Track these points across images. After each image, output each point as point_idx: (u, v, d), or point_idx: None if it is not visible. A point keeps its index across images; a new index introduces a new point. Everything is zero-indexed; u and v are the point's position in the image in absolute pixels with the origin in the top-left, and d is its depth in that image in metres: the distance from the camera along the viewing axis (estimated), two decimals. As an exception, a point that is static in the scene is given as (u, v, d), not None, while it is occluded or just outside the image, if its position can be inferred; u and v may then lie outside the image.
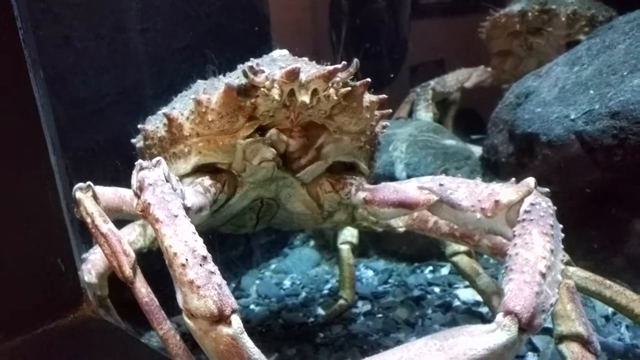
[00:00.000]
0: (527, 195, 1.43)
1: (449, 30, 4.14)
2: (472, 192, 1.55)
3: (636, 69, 2.16)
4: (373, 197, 1.63)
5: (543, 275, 1.22)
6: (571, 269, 1.74)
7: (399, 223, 1.85)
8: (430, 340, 1.18)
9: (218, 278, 1.17)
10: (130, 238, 1.76)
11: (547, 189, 1.47)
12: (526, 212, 1.38)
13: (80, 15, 2.10)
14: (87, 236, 1.51)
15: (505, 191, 1.47)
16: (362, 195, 1.66)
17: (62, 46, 2.07)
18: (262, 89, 1.45)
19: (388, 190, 1.63)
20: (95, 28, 2.14)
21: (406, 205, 1.59)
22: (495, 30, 3.79)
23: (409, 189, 1.60)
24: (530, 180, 1.46)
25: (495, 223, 1.51)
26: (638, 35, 2.32)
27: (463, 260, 2.10)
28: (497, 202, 1.46)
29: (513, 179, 1.51)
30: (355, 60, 1.49)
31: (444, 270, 2.66)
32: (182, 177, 1.63)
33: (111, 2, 2.18)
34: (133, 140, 1.96)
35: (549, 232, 1.33)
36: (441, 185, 1.57)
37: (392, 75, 3.99)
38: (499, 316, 1.16)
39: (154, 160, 1.37)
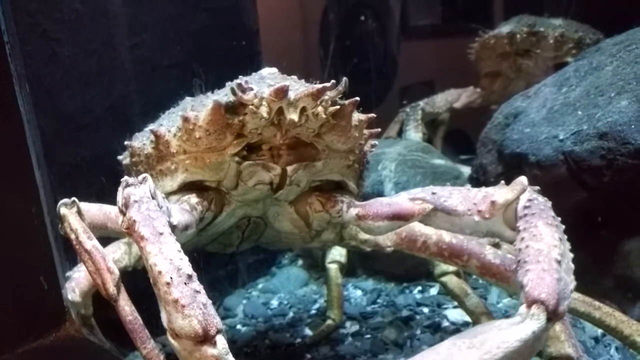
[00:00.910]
0: (522, 193, 1.44)
1: (438, 51, 4.18)
2: (465, 197, 1.55)
3: (623, 91, 2.17)
4: (366, 212, 1.62)
5: (559, 263, 1.23)
6: (560, 290, 1.73)
7: (387, 242, 1.83)
8: (457, 339, 1.17)
9: (203, 297, 1.15)
10: (115, 256, 1.73)
11: (538, 187, 1.49)
12: (526, 207, 1.40)
13: (68, 30, 2.09)
14: (71, 254, 1.49)
15: (500, 192, 1.49)
16: (354, 211, 1.64)
17: (49, 61, 2.06)
18: (250, 106, 1.44)
19: (380, 204, 1.63)
20: (83, 43, 2.13)
21: (401, 217, 1.58)
22: (485, 52, 3.84)
23: (401, 201, 1.60)
24: (523, 179, 1.48)
25: (493, 224, 1.52)
26: (625, 57, 2.34)
27: (452, 281, 2.09)
28: (493, 202, 1.47)
29: (502, 181, 1.52)
30: (345, 79, 1.49)
31: (433, 291, 2.65)
32: (168, 195, 1.61)
33: (100, 18, 2.18)
34: (119, 157, 1.94)
35: (553, 223, 1.34)
36: (433, 194, 1.58)
37: (381, 95, 4.01)
38: (522, 308, 1.16)
39: (140, 177, 1.36)
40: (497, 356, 1.11)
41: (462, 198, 1.55)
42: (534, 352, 1.18)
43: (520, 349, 1.13)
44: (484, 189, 1.54)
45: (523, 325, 1.14)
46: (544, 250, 1.25)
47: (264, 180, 1.55)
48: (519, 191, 1.45)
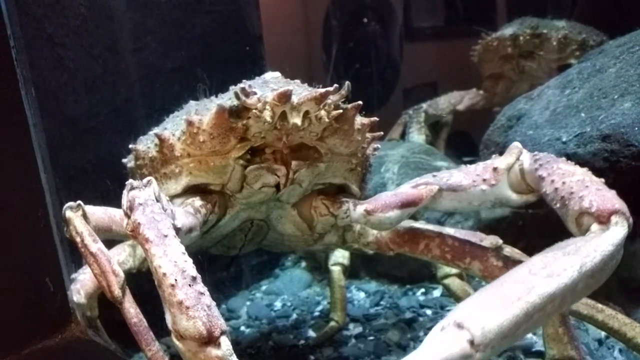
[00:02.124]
0: (520, 154, 1.51)
1: (441, 53, 4.18)
2: (467, 173, 1.61)
3: (627, 93, 2.17)
4: (374, 206, 1.63)
5: (604, 183, 1.28)
6: (563, 292, 1.73)
7: (390, 245, 1.84)
8: (548, 252, 1.19)
9: (207, 299, 1.16)
10: (119, 258, 1.74)
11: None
12: (536, 160, 1.46)
13: (74, 35, 2.10)
14: (77, 256, 1.50)
15: (499, 159, 1.56)
16: (361, 208, 1.65)
17: (55, 65, 2.07)
18: (253, 110, 1.45)
19: (386, 196, 1.64)
20: (88, 48, 2.15)
21: (410, 203, 1.60)
22: (487, 54, 3.83)
23: (406, 189, 1.63)
24: (517, 143, 1.55)
25: (499, 191, 1.57)
26: (628, 59, 2.34)
27: (454, 283, 2.10)
28: (495, 169, 1.53)
29: (495, 154, 1.56)
30: (347, 82, 1.50)
31: (436, 293, 2.65)
32: (172, 198, 1.62)
33: (104, 22, 2.19)
34: (124, 160, 1.96)
35: (570, 163, 1.40)
36: (434, 176, 1.62)
37: (384, 97, 4.02)
38: (595, 226, 1.22)
39: (145, 180, 1.37)
40: (596, 259, 1.13)
41: (463, 174, 1.60)
42: (614, 266, 1.21)
43: (612, 254, 1.16)
44: (481, 163, 1.60)
45: (610, 233, 1.18)
46: (584, 179, 1.30)
47: (270, 183, 1.57)
48: (517, 153, 1.52)
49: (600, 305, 1.76)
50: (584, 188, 1.27)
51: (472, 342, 1.11)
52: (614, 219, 1.20)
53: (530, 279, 1.14)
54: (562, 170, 1.36)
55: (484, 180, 1.55)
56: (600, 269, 1.17)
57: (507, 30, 3.70)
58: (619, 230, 1.19)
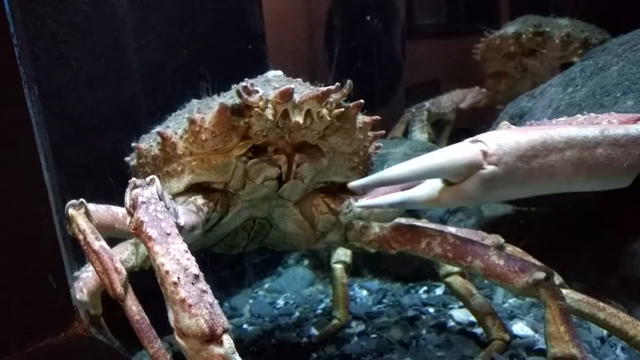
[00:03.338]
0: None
1: (444, 51, 4.18)
2: None
3: (629, 91, 2.17)
4: (374, 196, 1.66)
5: None
6: (564, 291, 1.73)
7: (392, 244, 1.84)
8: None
9: (210, 297, 1.16)
10: (122, 257, 1.75)
11: None
12: None
13: (76, 33, 2.11)
14: (80, 253, 1.50)
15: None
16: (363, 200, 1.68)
17: (58, 63, 2.07)
18: (255, 109, 1.46)
19: (385, 187, 1.66)
20: (91, 46, 2.15)
21: (409, 185, 1.62)
22: (490, 52, 3.83)
23: None
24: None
25: None
26: (631, 58, 2.34)
27: (457, 281, 2.11)
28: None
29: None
30: (349, 81, 1.51)
31: (439, 291, 2.65)
32: (175, 196, 1.63)
33: (107, 20, 2.19)
34: (127, 159, 1.96)
35: None
36: None
37: (386, 95, 4.01)
38: None
39: (148, 179, 1.38)
40: (619, 132, 1.22)
41: None
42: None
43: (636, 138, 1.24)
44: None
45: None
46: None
47: (272, 176, 1.57)
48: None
49: (601, 304, 1.77)
50: None
51: (485, 153, 1.13)
52: None
53: (553, 125, 1.17)
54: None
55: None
56: (622, 146, 1.20)
57: (510, 29, 3.70)
58: None
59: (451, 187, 1.24)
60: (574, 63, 2.89)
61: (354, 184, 1.36)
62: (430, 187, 1.27)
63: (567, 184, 1.24)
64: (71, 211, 1.45)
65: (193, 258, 1.21)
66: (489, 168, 1.17)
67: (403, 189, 1.67)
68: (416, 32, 4.25)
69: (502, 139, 1.17)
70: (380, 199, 1.39)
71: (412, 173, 1.27)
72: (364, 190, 1.82)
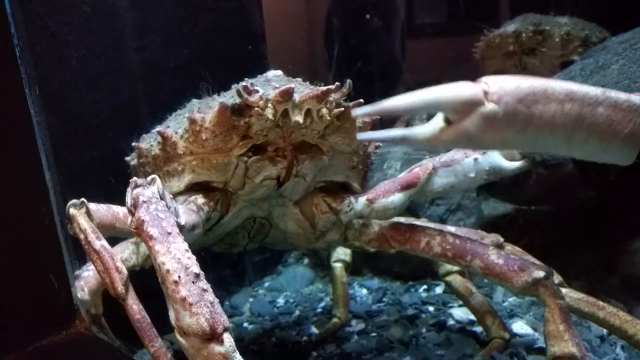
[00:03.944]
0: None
1: (444, 50, 4.17)
2: (455, 152, 1.72)
3: (630, 89, 2.16)
4: (375, 194, 1.70)
5: None
6: (564, 290, 1.74)
7: (391, 243, 1.85)
8: None
9: (210, 296, 1.17)
10: (123, 256, 1.75)
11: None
12: None
13: (77, 32, 2.11)
14: (81, 253, 1.51)
15: None
16: (363, 198, 1.71)
17: (58, 63, 2.08)
18: (255, 108, 1.46)
19: (385, 183, 1.72)
20: (91, 45, 2.15)
21: (409, 184, 1.69)
22: (490, 51, 3.82)
23: (402, 175, 1.73)
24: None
25: (492, 158, 1.67)
26: (631, 56, 2.34)
27: (456, 280, 2.11)
28: None
29: None
30: (348, 80, 1.51)
31: (439, 289, 2.65)
32: (175, 195, 1.63)
33: (107, 20, 2.20)
34: (127, 158, 1.96)
35: None
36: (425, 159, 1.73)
37: (386, 94, 4.01)
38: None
39: (149, 178, 1.38)
40: (622, 96, 1.24)
41: (452, 153, 1.71)
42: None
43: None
44: None
45: None
46: None
47: (272, 175, 1.57)
48: None
49: (601, 303, 1.77)
50: None
51: (486, 93, 1.15)
52: None
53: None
54: None
55: (475, 149, 1.63)
56: (623, 110, 1.22)
57: (510, 27, 3.69)
58: None
59: (452, 126, 1.25)
60: (574, 62, 2.89)
61: (356, 111, 1.35)
62: (432, 126, 1.27)
63: (567, 140, 1.25)
64: (72, 210, 1.45)
65: (194, 257, 1.22)
66: (490, 106, 1.19)
67: (401, 186, 1.68)
68: (416, 31, 4.24)
69: (504, 81, 1.20)
70: (381, 132, 1.39)
71: (411, 104, 1.26)
72: (363, 187, 1.83)
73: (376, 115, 1.43)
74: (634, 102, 1.25)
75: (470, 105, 1.20)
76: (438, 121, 1.26)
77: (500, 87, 1.19)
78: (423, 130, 1.28)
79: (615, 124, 1.24)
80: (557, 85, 1.22)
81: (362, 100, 1.57)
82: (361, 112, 1.32)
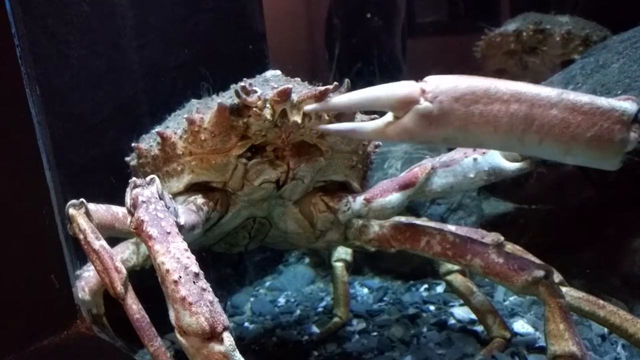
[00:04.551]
0: None
1: (444, 49, 4.17)
2: (456, 150, 1.71)
3: (630, 88, 2.17)
4: (373, 193, 1.69)
5: None
6: (564, 289, 1.74)
7: (391, 242, 1.85)
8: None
9: (210, 295, 1.17)
10: (123, 256, 1.76)
11: None
12: None
13: (77, 32, 2.11)
14: (82, 253, 1.51)
15: None
16: (361, 198, 1.70)
17: (59, 63, 2.08)
18: (254, 108, 1.47)
19: (383, 183, 1.71)
20: (92, 45, 2.16)
21: (407, 184, 1.68)
22: (491, 50, 3.82)
23: (400, 175, 1.72)
24: None
25: (492, 158, 1.66)
26: (632, 55, 2.33)
27: (457, 279, 2.11)
28: None
29: None
30: (347, 80, 1.51)
31: (439, 288, 2.65)
32: (175, 196, 1.64)
33: (107, 19, 2.20)
34: (127, 159, 1.97)
35: None
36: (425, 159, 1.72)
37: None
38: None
39: (148, 178, 1.38)
40: (582, 99, 1.23)
41: (452, 153, 1.70)
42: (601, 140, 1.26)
43: (601, 110, 1.24)
44: None
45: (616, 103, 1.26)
46: None
47: (271, 179, 1.57)
48: None
49: (601, 302, 1.77)
50: None
51: (423, 91, 1.17)
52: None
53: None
54: None
55: (475, 149, 1.61)
56: (584, 113, 1.21)
57: (511, 26, 3.68)
58: (624, 104, 1.23)
59: (396, 121, 1.28)
60: (575, 60, 2.89)
61: (307, 108, 1.41)
62: (380, 121, 1.32)
63: (517, 139, 1.25)
64: (71, 211, 1.45)
65: (193, 256, 1.22)
66: (424, 104, 1.21)
67: (399, 185, 1.68)
68: (417, 30, 4.24)
69: (442, 80, 1.22)
70: (336, 125, 1.44)
71: (351, 101, 1.34)
72: (363, 186, 1.83)
73: (324, 112, 1.45)
74: (598, 105, 1.23)
75: (405, 103, 1.25)
76: (387, 116, 1.30)
77: (437, 85, 1.22)
78: (372, 124, 1.34)
79: (574, 127, 1.23)
80: (502, 85, 1.22)
81: None
82: (310, 108, 1.38)
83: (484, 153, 1.65)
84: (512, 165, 1.69)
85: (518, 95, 1.21)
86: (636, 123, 1.25)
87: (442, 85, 1.23)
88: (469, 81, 1.23)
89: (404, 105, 1.26)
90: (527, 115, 1.22)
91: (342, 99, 1.36)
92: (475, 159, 1.66)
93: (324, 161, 1.62)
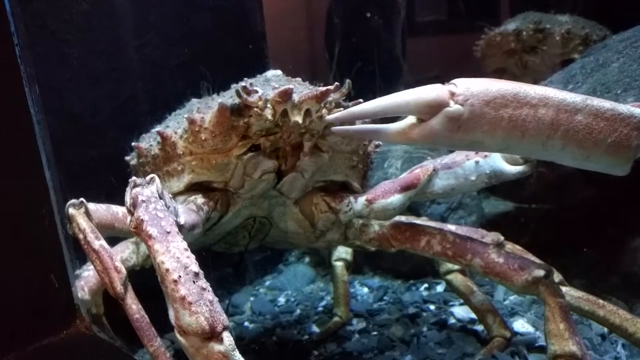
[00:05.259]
0: None
1: (444, 48, 4.17)
2: (457, 154, 1.72)
3: (630, 87, 2.17)
4: (374, 194, 1.69)
5: None
6: (564, 288, 1.74)
7: (392, 242, 1.85)
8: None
9: (210, 295, 1.17)
10: (123, 255, 1.75)
11: None
12: None
13: (77, 31, 2.11)
14: (81, 252, 1.51)
15: None
16: (362, 198, 1.71)
17: (58, 62, 2.08)
18: (255, 108, 1.47)
19: (385, 184, 1.71)
20: (91, 44, 2.16)
21: (409, 185, 1.68)
22: (491, 49, 3.82)
23: (403, 176, 1.72)
24: None
25: (493, 162, 1.67)
26: (632, 54, 2.33)
27: (457, 279, 2.11)
28: None
29: None
30: (348, 80, 1.51)
31: (439, 288, 2.65)
32: (175, 195, 1.64)
33: (107, 18, 2.20)
34: (127, 158, 1.97)
35: None
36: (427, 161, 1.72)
37: (387, 94, 4.00)
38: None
39: (148, 178, 1.38)
40: (605, 105, 1.24)
41: (454, 155, 1.71)
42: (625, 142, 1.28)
43: (623, 117, 1.26)
44: None
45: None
46: None
47: (269, 169, 1.57)
48: None
49: (601, 301, 1.77)
50: None
51: (453, 94, 1.17)
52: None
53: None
54: None
55: (477, 152, 1.61)
56: (606, 119, 1.22)
57: (511, 25, 3.69)
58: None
59: (421, 124, 1.27)
60: (575, 60, 2.89)
61: (330, 117, 1.41)
62: (404, 123, 1.31)
63: (542, 144, 1.25)
64: (71, 210, 1.45)
65: (193, 256, 1.22)
66: (455, 107, 1.21)
67: (401, 187, 1.68)
68: (417, 29, 4.24)
69: (472, 83, 1.22)
70: (355, 126, 1.42)
71: (379, 108, 1.31)
72: (363, 186, 1.83)
73: (347, 120, 1.44)
74: (619, 112, 1.24)
75: (434, 107, 1.24)
76: (410, 118, 1.29)
77: (467, 88, 1.21)
78: (395, 126, 1.32)
79: (596, 133, 1.23)
80: (531, 89, 1.22)
81: (361, 100, 1.58)
82: (333, 117, 1.36)
83: (485, 156, 1.65)
84: (514, 169, 1.69)
85: (546, 100, 1.21)
86: None
87: (473, 88, 1.22)
88: (499, 85, 1.22)
89: (432, 108, 1.24)
90: (554, 120, 1.22)
91: (367, 106, 1.34)
92: (477, 162, 1.66)
93: (327, 157, 1.62)
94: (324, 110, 1.50)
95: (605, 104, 1.23)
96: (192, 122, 1.57)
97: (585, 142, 1.24)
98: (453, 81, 1.24)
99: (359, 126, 1.43)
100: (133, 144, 1.84)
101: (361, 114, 1.37)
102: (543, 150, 1.28)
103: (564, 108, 1.22)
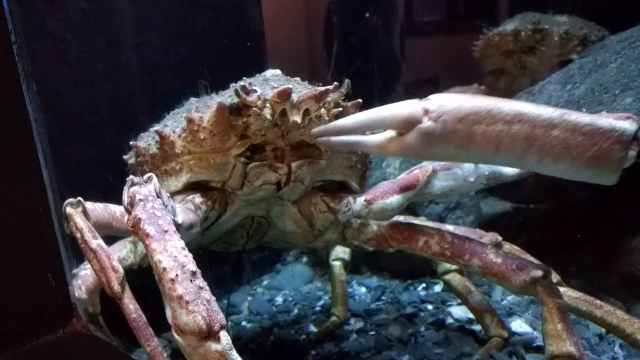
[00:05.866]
0: None
1: (443, 48, 4.17)
2: None
3: (628, 88, 2.17)
4: (373, 195, 1.70)
5: None
6: (562, 289, 1.74)
7: (390, 242, 1.85)
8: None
9: (207, 294, 1.17)
10: (120, 255, 1.75)
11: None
12: None
13: (75, 30, 2.11)
14: (79, 251, 1.50)
15: None
16: (361, 199, 1.71)
17: (56, 61, 2.07)
18: (254, 108, 1.46)
19: (384, 184, 1.72)
20: (89, 43, 2.15)
21: (408, 186, 1.69)
22: (489, 49, 3.82)
23: (402, 176, 1.72)
24: None
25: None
26: (630, 55, 2.34)
27: (455, 279, 2.11)
28: None
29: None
30: (347, 80, 1.51)
31: (437, 288, 2.65)
32: (173, 195, 1.63)
33: (105, 17, 2.19)
34: (125, 157, 1.96)
35: None
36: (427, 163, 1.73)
37: (385, 94, 4.01)
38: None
39: (146, 176, 1.38)
40: (584, 119, 1.25)
41: None
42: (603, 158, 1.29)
43: (604, 130, 1.26)
44: None
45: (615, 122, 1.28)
46: None
47: (271, 180, 1.57)
48: None
49: (598, 302, 1.77)
50: None
51: (426, 110, 1.20)
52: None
53: (512, 100, 1.25)
54: None
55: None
56: (585, 134, 1.23)
57: (509, 26, 3.68)
58: (624, 124, 1.25)
59: (399, 137, 1.32)
60: (573, 60, 2.89)
61: (314, 130, 1.46)
62: (383, 136, 1.35)
63: (518, 158, 1.28)
64: (68, 210, 1.45)
65: (190, 255, 1.21)
66: (427, 123, 1.24)
67: (400, 187, 1.68)
68: (415, 29, 4.24)
69: (446, 100, 1.25)
70: (339, 137, 1.45)
71: (357, 123, 1.37)
72: (362, 186, 1.83)
73: (330, 134, 1.46)
74: (599, 126, 1.24)
75: (409, 122, 1.28)
76: (390, 132, 1.32)
77: (441, 105, 1.24)
78: (374, 138, 1.37)
79: (574, 148, 1.25)
80: (506, 105, 1.24)
81: (360, 100, 1.58)
82: (317, 130, 1.43)
83: None
84: (512, 171, 1.70)
85: (520, 116, 1.23)
86: (635, 141, 1.27)
87: (446, 105, 1.24)
88: (472, 101, 1.24)
89: (407, 124, 1.28)
90: (529, 135, 1.23)
91: (348, 120, 1.39)
92: (476, 165, 1.67)
93: (324, 164, 1.62)
94: (323, 110, 1.49)
95: (585, 118, 1.24)
96: (190, 121, 1.56)
97: (562, 156, 1.25)
98: (429, 97, 1.27)
99: (340, 137, 1.45)
100: (131, 143, 1.84)
101: (342, 129, 1.41)
102: (521, 164, 1.32)
103: (539, 124, 1.23)
